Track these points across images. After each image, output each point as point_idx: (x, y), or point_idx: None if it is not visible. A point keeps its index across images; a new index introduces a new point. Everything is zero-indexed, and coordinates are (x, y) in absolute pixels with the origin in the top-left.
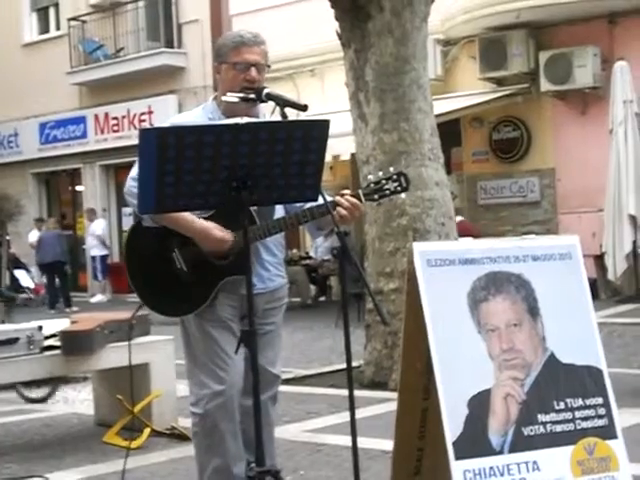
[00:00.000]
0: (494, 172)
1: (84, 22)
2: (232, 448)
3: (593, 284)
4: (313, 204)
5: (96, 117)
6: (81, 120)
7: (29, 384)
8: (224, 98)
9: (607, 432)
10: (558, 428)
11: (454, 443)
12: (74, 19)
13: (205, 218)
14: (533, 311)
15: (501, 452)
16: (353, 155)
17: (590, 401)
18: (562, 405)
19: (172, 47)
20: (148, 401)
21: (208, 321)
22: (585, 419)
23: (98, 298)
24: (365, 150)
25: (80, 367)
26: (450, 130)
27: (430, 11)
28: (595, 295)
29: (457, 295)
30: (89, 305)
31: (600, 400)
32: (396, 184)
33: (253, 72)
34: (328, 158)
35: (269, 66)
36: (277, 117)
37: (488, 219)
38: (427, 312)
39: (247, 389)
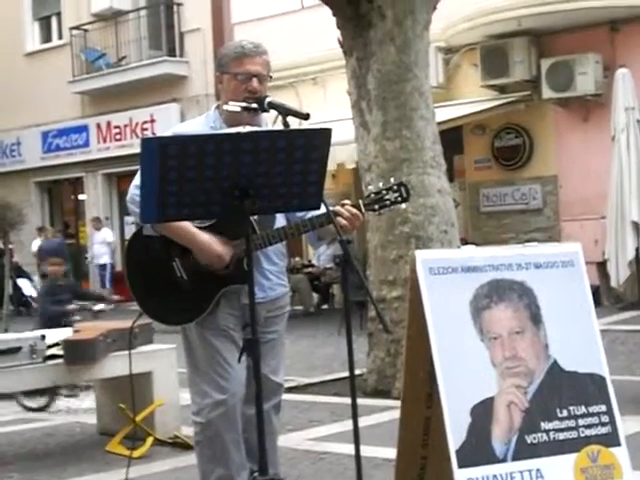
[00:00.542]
0: (496, 179)
1: (86, 31)
2: (235, 457)
3: (596, 291)
4: (314, 213)
5: (98, 126)
6: (83, 129)
7: (30, 393)
8: (226, 107)
9: (611, 440)
10: (561, 436)
11: (457, 451)
12: (76, 28)
13: (206, 227)
14: (536, 319)
15: (504, 460)
16: (356, 163)
17: (593, 409)
18: (565, 413)
19: (174, 56)
20: (150, 410)
21: (209, 330)
22: (588, 427)
23: (100, 306)
24: (367, 158)
25: (83, 376)
26: (452, 138)
27: (432, 19)
28: (598, 302)
29: (459, 303)
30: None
31: (603, 408)
32: (397, 194)
33: (254, 83)
34: (331, 166)
35: (271, 76)
36: (279, 126)
37: (490, 226)
38: (430, 320)
39: (250, 398)
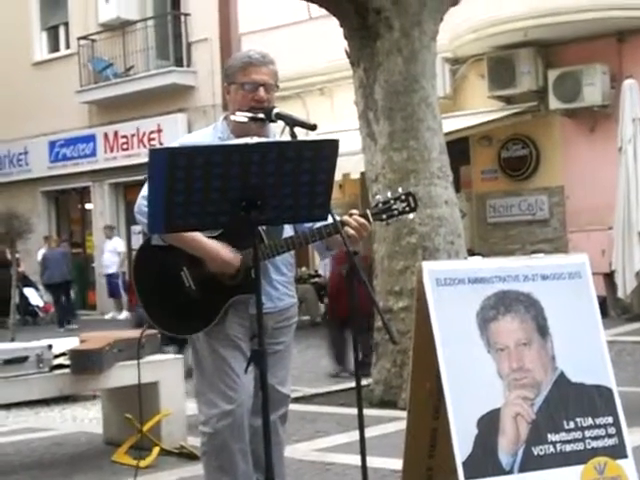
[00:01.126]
0: (503, 190)
1: (94, 41)
2: (241, 467)
3: (603, 302)
4: (322, 223)
5: (105, 135)
6: (90, 138)
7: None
8: (233, 118)
9: (617, 451)
10: (568, 447)
11: (464, 463)
12: (84, 38)
13: (214, 237)
14: (542, 330)
15: (511, 472)
16: (363, 173)
17: (600, 420)
18: (572, 424)
19: (181, 66)
20: (157, 420)
21: (217, 340)
22: (595, 438)
23: (124, 315)
24: (374, 168)
25: (89, 386)
26: (459, 148)
27: (439, 30)
28: (605, 313)
29: (466, 314)
30: (103, 322)
31: (610, 419)
32: (404, 204)
33: (261, 92)
34: (338, 176)
35: (278, 86)
36: (287, 137)
37: (497, 237)
38: (436, 331)
39: (257, 408)
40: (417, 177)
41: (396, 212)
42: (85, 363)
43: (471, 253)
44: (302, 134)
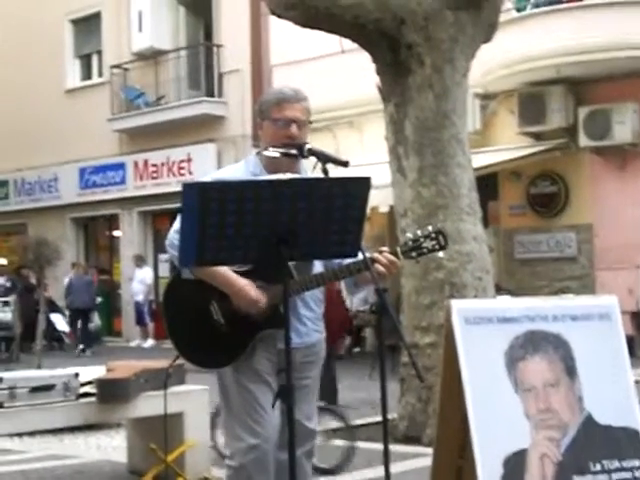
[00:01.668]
0: (531, 226)
1: (126, 70)
2: None
3: (630, 341)
4: (352, 260)
5: (135, 164)
6: (120, 166)
7: None
8: (265, 153)
9: None
10: None
11: None
12: (117, 66)
13: (244, 272)
14: (570, 371)
15: None
16: (391, 207)
17: (627, 463)
18: (598, 467)
19: (212, 96)
20: (181, 450)
21: (245, 374)
22: None
23: (149, 343)
24: (403, 203)
25: (115, 415)
26: (488, 183)
27: (471, 66)
28: (632, 352)
29: (494, 353)
30: (128, 350)
31: (637, 462)
32: (434, 242)
33: (294, 128)
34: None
35: (311, 122)
36: (319, 172)
37: (524, 273)
38: (464, 370)
39: (283, 443)
40: (446, 213)
41: (426, 250)
42: (111, 392)
43: (498, 289)
44: (333, 169)
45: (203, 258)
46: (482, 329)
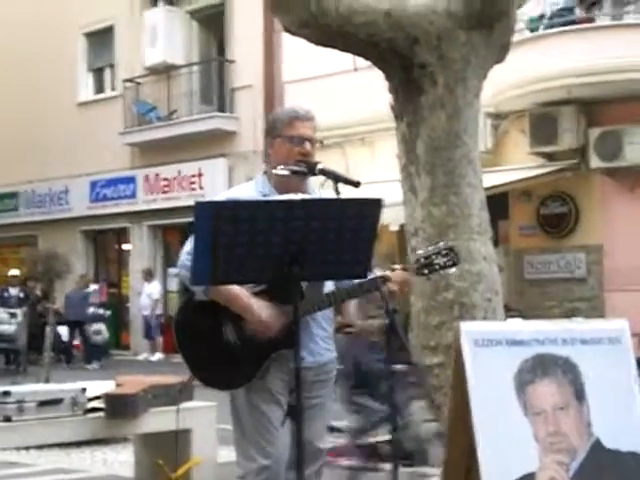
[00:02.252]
0: (541, 247)
1: (139, 84)
2: None
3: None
4: (363, 279)
5: (146, 177)
6: (131, 180)
7: None
8: (275, 171)
9: None
10: None
11: None
12: (129, 80)
13: (256, 292)
14: (579, 395)
15: None
16: (402, 225)
17: None
18: None
19: (224, 111)
20: (188, 467)
21: (257, 394)
22: None
23: (157, 356)
24: (414, 222)
25: (122, 430)
26: (498, 203)
27: (483, 86)
28: None
29: (503, 376)
30: (135, 363)
31: None
32: (446, 259)
33: (307, 146)
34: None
35: (322, 142)
36: (327, 189)
37: (533, 294)
38: (472, 393)
39: (292, 461)
40: (456, 232)
41: (438, 267)
42: (120, 408)
43: (507, 309)
44: (343, 187)
45: (216, 277)
46: (491, 352)
